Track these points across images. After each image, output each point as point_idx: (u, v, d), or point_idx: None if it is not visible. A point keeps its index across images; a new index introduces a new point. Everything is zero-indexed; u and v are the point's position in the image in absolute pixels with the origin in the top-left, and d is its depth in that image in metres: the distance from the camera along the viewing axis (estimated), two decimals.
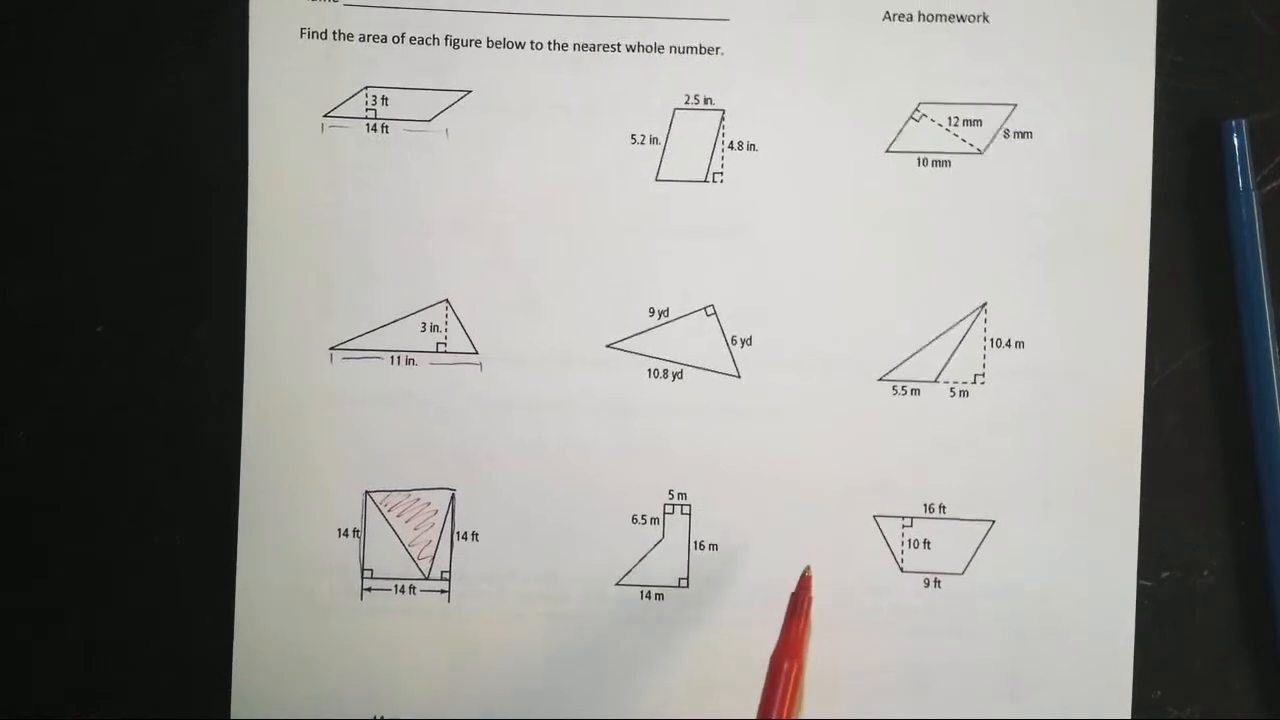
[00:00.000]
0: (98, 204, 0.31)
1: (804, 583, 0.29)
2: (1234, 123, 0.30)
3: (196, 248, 0.31)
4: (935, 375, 0.31)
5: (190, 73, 0.31)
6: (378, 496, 0.31)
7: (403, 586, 0.31)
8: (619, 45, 0.31)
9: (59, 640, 0.31)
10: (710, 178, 0.31)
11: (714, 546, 0.31)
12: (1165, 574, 0.31)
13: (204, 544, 0.31)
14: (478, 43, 0.31)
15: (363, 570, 0.31)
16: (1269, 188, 0.31)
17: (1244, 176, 0.30)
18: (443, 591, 0.31)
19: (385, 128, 0.31)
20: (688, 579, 0.31)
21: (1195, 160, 0.31)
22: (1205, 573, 0.31)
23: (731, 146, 0.31)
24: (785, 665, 0.26)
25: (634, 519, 0.31)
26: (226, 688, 0.31)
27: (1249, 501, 0.31)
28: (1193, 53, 0.31)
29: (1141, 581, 0.31)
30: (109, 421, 0.31)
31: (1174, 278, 0.31)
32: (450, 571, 0.31)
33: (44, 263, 0.31)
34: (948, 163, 0.31)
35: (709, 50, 0.31)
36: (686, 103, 0.31)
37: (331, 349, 0.31)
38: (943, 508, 0.31)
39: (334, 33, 0.31)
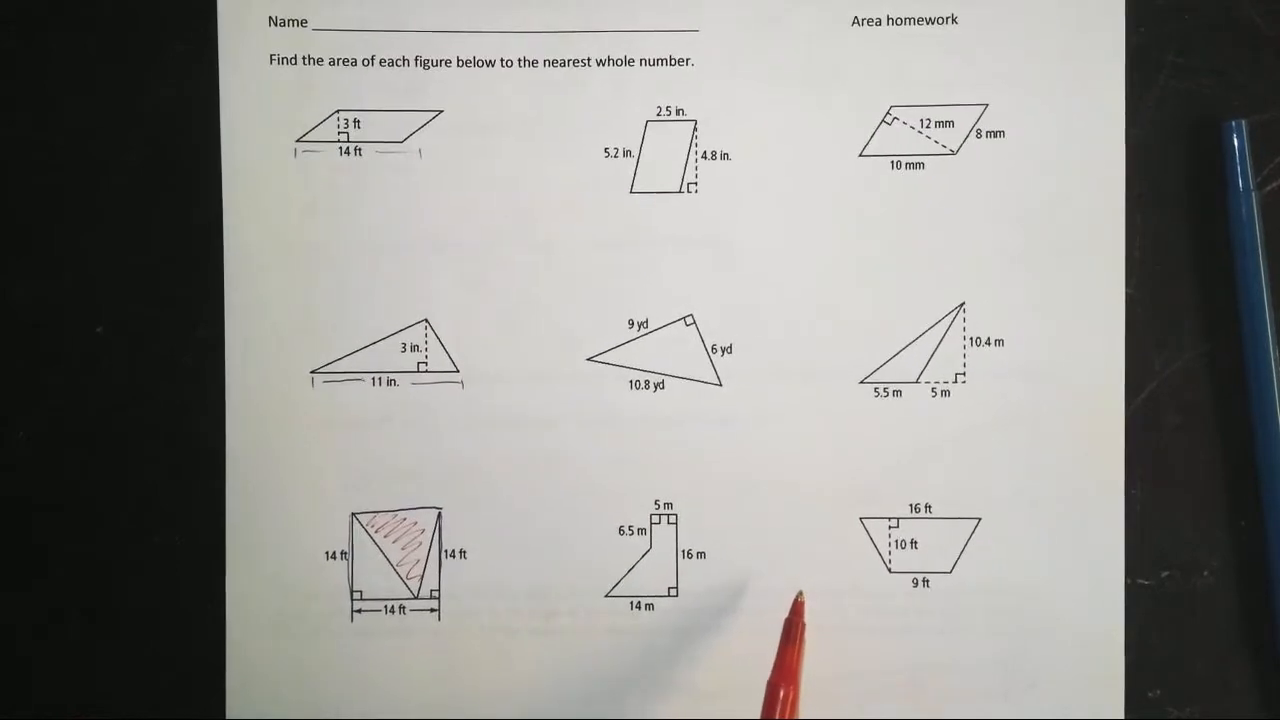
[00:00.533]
0: (98, 204, 0.31)
1: (797, 608, 0.29)
2: (1234, 123, 0.30)
3: (196, 248, 0.31)
4: (916, 376, 0.31)
5: (190, 73, 0.31)
6: (364, 518, 0.31)
7: (393, 607, 0.31)
8: (589, 60, 0.31)
9: (59, 640, 0.31)
10: (685, 188, 0.31)
11: (702, 555, 0.31)
12: (1165, 574, 0.31)
13: (205, 544, 0.31)
14: (448, 62, 0.31)
15: (352, 592, 0.31)
16: (1269, 188, 0.31)
17: (1244, 177, 0.30)
18: (433, 610, 0.31)
19: (358, 150, 0.31)
20: (677, 588, 0.31)
21: (1195, 160, 0.31)
22: (1205, 573, 0.31)
23: (705, 156, 0.31)
24: (781, 691, 0.27)
25: (621, 530, 0.31)
26: (221, 691, 0.31)
27: (1249, 501, 0.31)
28: (1193, 53, 0.31)
29: (1141, 581, 0.31)
30: (109, 421, 0.31)
31: (1174, 278, 0.31)
32: (440, 590, 0.31)
33: (44, 263, 0.31)
34: (921, 164, 0.31)
35: (679, 61, 0.31)
36: (658, 114, 0.31)
37: (312, 373, 0.31)
38: (928, 507, 0.31)
39: (304, 58, 0.31)
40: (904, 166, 0.31)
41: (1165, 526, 0.31)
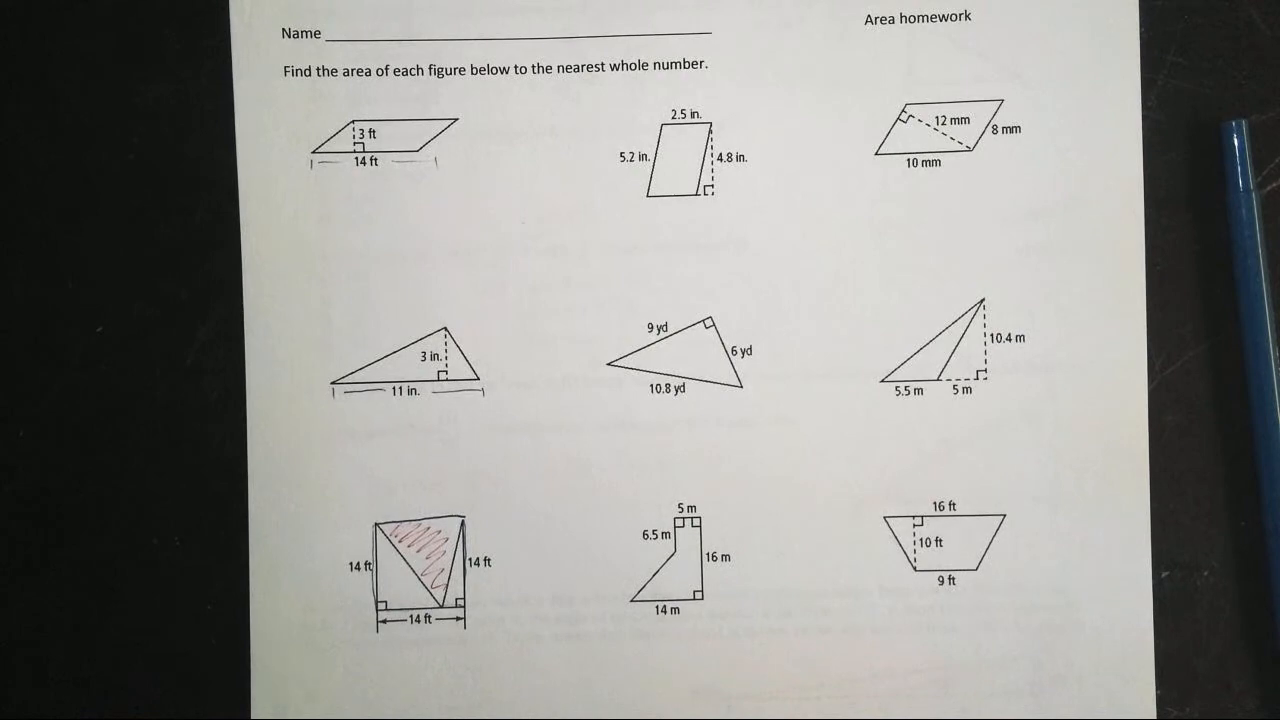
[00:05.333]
0: (98, 204, 0.31)
1: None
2: (1234, 123, 0.30)
3: (197, 247, 0.31)
4: (938, 374, 0.31)
5: (191, 72, 0.31)
6: (388, 528, 0.31)
7: (418, 616, 0.31)
8: (603, 65, 0.31)
9: (59, 640, 0.31)
10: (701, 190, 0.31)
11: (726, 557, 0.31)
12: (1165, 574, 0.31)
13: (206, 544, 0.31)
14: (461, 70, 0.31)
15: (377, 603, 0.31)
16: (1269, 188, 0.31)
17: (1244, 177, 0.30)
18: (458, 619, 0.31)
19: (374, 160, 0.31)
20: (702, 591, 0.31)
21: (1195, 160, 0.31)
22: (1205, 573, 0.31)
23: (721, 158, 0.31)
24: None
25: (645, 534, 0.31)
26: (247, 704, 0.31)
27: (1249, 501, 0.31)
28: (1193, 53, 0.31)
29: None
30: (109, 421, 0.31)
31: (1174, 278, 0.31)
32: (465, 598, 0.31)
33: (44, 263, 0.31)
34: (938, 161, 0.31)
35: (693, 64, 0.31)
36: (673, 117, 0.31)
37: (333, 384, 0.31)
38: (952, 505, 0.31)
39: (318, 69, 0.31)
40: (920, 164, 0.31)
41: (1165, 526, 0.31)
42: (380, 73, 0.31)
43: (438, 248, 0.31)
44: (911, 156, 0.31)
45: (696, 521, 0.31)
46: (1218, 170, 0.31)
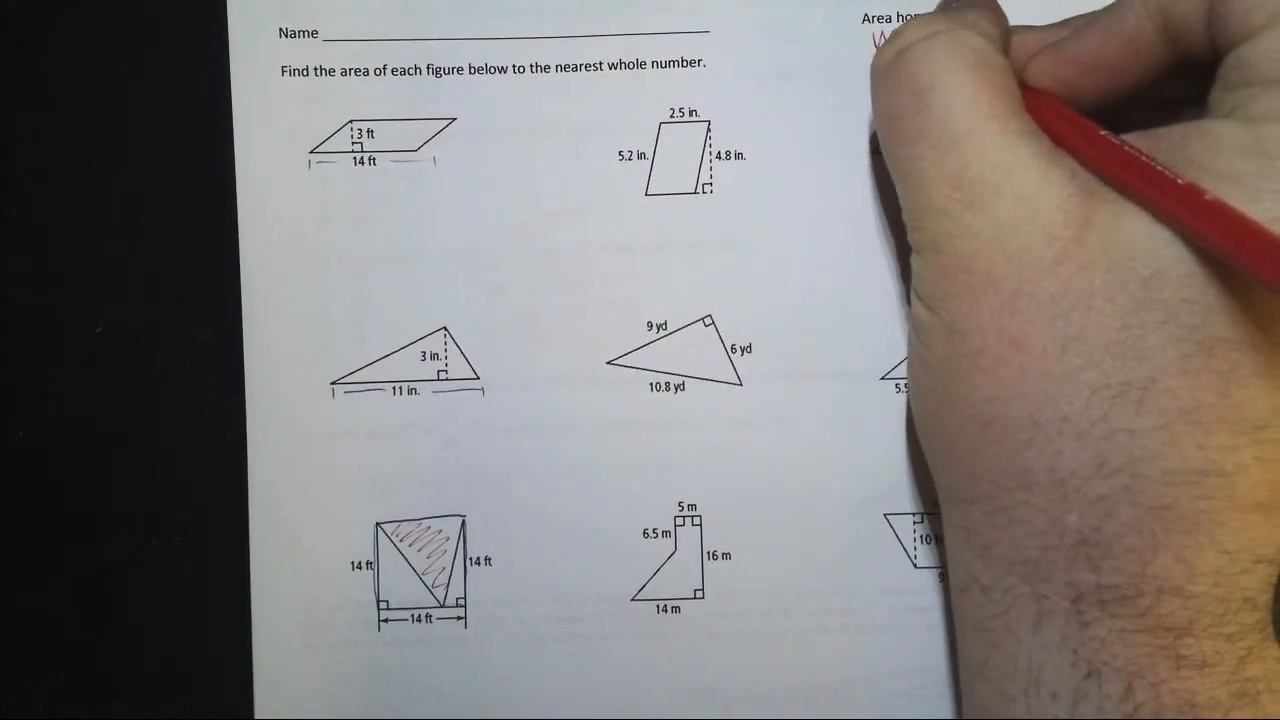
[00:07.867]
0: (97, 204, 0.31)
1: None
2: None
3: (197, 248, 0.31)
4: None
5: (189, 72, 0.31)
6: (388, 527, 0.31)
7: (419, 615, 0.31)
8: (601, 64, 0.31)
9: (59, 641, 0.31)
10: (700, 189, 0.31)
11: (727, 556, 0.31)
12: None
13: (206, 544, 0.31)
14: (459, 69, 0.31)
15: (378, 602, 0.31)
16: None
17: None
18: (459, 618, 0.31)
19: (372, 160, 0.31)
20: (703, 590, 0.31)
21: None
22: None
23: (719, 156, 0.31)
24: None
25: (645, 533, 0.31)
26: (250, 703, 0.31)
27: None
28: None
29: None
30: (109, 422, 0.31)
31: None
32: (465, 598, 0.31)
33: (44, 263, 0.31)
34: None
35: (691, 63, 0.31)
36: (672, 116, 0.31)
37: (332, 384, 0.31)
38: None
39: (315, 69, 0.31)
40: None
41: None
42: (378, 72, 0.31)
43: (437, 247, 0.31)
44: None
45: (696, 520, 0.31)
46: None
